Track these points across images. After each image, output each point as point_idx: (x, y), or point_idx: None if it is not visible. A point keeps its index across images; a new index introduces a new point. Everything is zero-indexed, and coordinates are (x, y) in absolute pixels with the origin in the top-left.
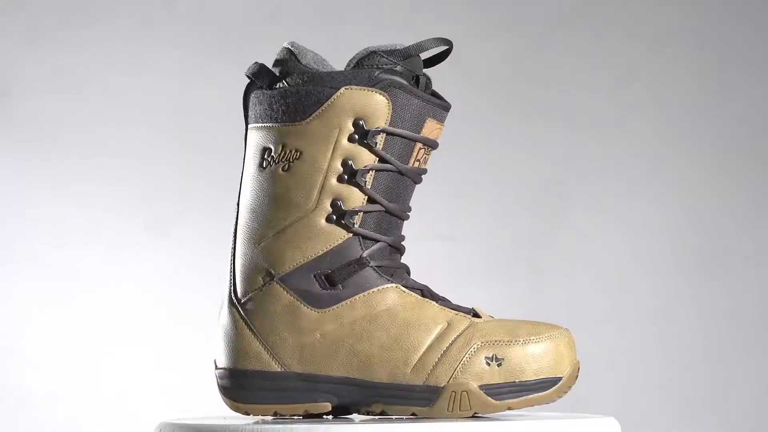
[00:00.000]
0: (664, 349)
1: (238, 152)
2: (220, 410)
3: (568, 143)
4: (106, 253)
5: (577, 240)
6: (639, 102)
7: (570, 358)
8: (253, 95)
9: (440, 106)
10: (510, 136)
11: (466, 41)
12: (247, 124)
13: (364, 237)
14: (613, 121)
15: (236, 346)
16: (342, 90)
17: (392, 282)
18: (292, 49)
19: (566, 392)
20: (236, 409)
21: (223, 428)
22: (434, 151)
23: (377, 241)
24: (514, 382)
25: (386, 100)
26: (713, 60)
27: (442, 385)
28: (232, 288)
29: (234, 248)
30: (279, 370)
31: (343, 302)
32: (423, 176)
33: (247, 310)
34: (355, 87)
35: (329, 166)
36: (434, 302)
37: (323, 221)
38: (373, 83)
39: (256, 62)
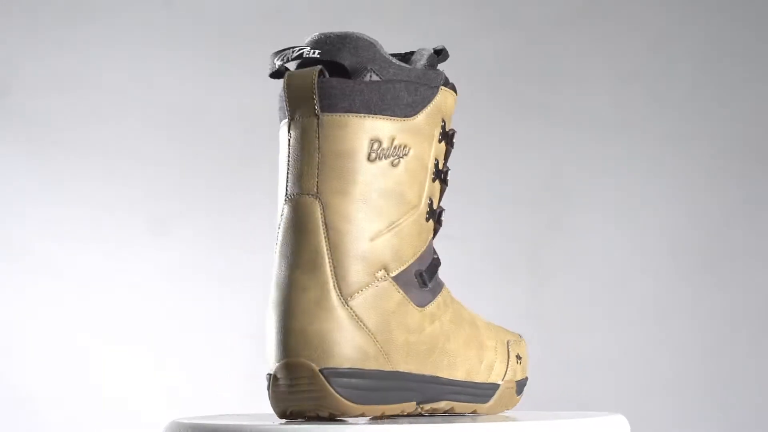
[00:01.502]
0: (664, 349)
1: (238, 152)
2: (220, 410)
3: (569, 143)
4: (106, 253)
5: (577, 239)
6: (640, 102)
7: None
8: (354, 82)
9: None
10: (510, 135)
11: (466, 40)
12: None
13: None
14: (614, 121)
15: (355, 345)
16: (441, 89)
17: (442, 283)
18: (371, 40)
19: None
20: (350, 412)
21: (233, 428)
22: None
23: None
24: (526, 377)
25: (455, 101)
26: (714, 59)
27: (499, 382)
28: (335, 285)
29: (327, 238)
30: (391, 369)
31: (433, 301)
32: None
33: (358, 308)
34: (442, 87)
35: (429, 164)
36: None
37: (424, 219)
38: (448, 84)
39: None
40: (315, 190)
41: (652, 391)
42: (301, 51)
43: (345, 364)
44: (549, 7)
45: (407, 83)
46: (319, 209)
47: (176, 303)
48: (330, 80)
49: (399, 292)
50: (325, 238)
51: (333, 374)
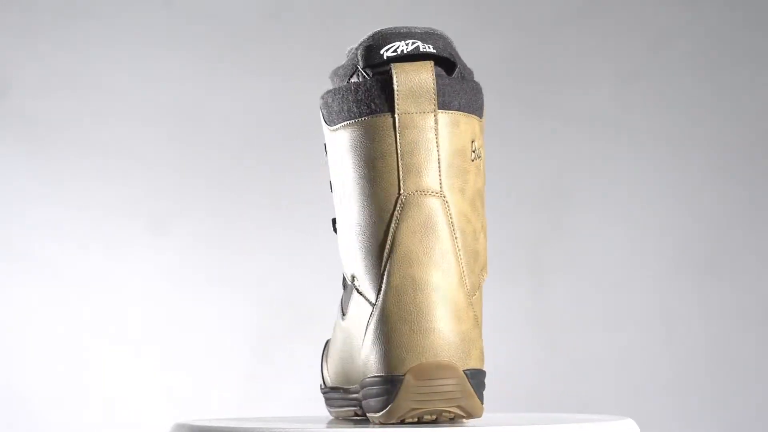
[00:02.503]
0: (667, 350)
1: (238, 152)
2: (220, 410)
3: (569, 143)
4: (106, 253)
5: (579, 240)
6: (641, 101)
7: None
8: (460, 81)
9: None
10: (511, 135)
11: (467, 40)
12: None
13: None
14: (615, 121)
15: (479, 345)
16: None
17: None
18: (447, 36)
19: None
20: (479, 413)
21: (238, 430)
22: None
23: None
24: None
25: None
26: (716, 59)
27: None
28: (464, 285)
29: (455, 238)
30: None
31: None
32: None
33: (476, 308)
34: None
35: None
36: None
37: None
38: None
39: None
40: (439, 188)
41: (653, 391)
42: (416, 44)
43: (478, 365)
44: (549, 7)
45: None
46: (446, 208)
47: (176, 303)
48: (444, 77)
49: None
50: (453, 237)
51: (472, 375)
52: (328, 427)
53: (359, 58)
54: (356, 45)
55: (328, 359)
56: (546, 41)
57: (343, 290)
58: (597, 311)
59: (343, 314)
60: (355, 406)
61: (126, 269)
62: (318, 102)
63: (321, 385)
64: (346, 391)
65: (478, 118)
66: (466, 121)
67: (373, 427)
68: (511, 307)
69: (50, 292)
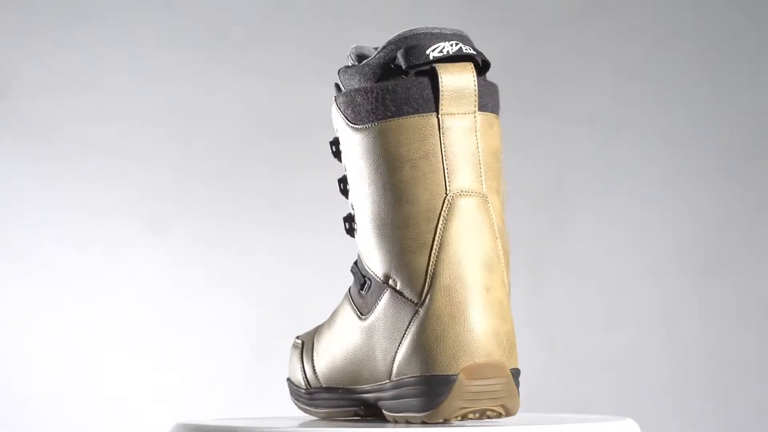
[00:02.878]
0: (667, 350)
1: (238, 152)
2: (220, 411)
3: (570, 143)
4: (105, 253)
5: (579, 240)
6: (641, 101)
7: None
8: (491, 83)
9: None
10: (511, 135)
11: None
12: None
13: None
14: (615, 121)
15: (517, 345)
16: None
17: None
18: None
19: None
20: (515, 410)
21: (239, 429)
22: None
23: None
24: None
25: None
26: (717, 58)
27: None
28: (506, 283)
29: (497, 238)
30: None
31: None
32: None
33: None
34: None
35: None
36: None
37: None
38: None
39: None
40: (482, 190)
41: (653, 391)
42: (458, 45)
43: (517, 364)
44: (549, 6)
45: None
46: (488, 209)
47: (176, 303)
48: (480, 79)
49: None
50: (495, 238)
51: (516, 375)
52: (328, 427)
53: (401, 58)
54: (384, 45)
55: (318, 359)
56: (546, 41)
57: (355, 290)
58: (597, 311)
59: (362, 314)
60: (356, 405)
61: (126, 269)
62: (332, 101)
63: (300, 386)
64: (349, 391)
65: (500, 121)
66: (497, 123)
67: (375, 427)
68: (512, 307)
69: (50, 292)
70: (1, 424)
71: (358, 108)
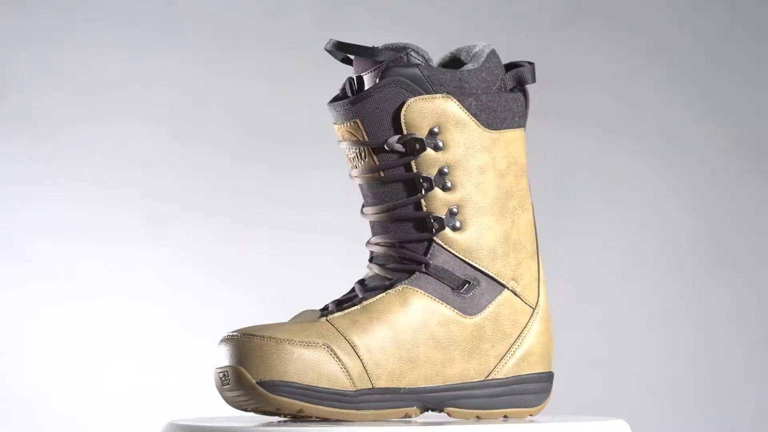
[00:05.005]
0: (667, 350)
1: (238, 152)
2: (219, 411)
3: (570, 142)
4: (105, 253)
5: (579, 240)
6: (642, 101)
7: None
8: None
9: (329, 108)
10: None
11: (467, 40)
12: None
13: None
14: (616, 120)
15: None
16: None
17: None
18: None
19: None
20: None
21: (230, 429)
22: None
23: None
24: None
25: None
26: (717, 58)
27: None
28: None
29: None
30: None
31: None
32: (355, 179)
33: None
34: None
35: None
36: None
37: None
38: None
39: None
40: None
41: (653, 392)
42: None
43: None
44: (549, 6)
45: None
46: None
47: (175, 303)
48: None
49: None
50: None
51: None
52: (321, 426)
53: (529, 75)
54: (489, 55)
55: (372, 356)
56: (546, 41)
57: (444, 290)
58: (597, 312)
59: (467, 313)
60: (411, 406)
61: (125, 269)
62: (460, 101)
63: (341, 386)
64: (413, 391)
65: None
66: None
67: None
68: None
69: (49, 291)
70: (1, 424)
71: (494, 114)
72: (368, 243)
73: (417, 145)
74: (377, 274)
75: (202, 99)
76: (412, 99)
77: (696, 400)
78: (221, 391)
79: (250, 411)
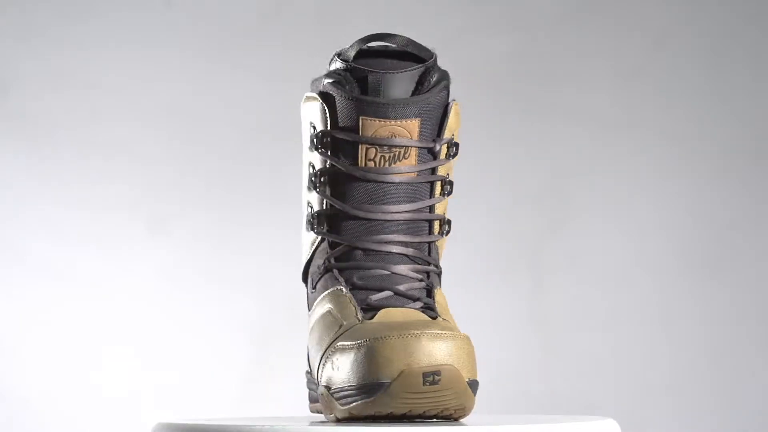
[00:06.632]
0: (667, 351)
1: (238, 152)
2: (219, 411)
3: (570, 142)
4: (105, 253)
5: (579, 240)
6: (642, 100)
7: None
8: None
9: (373, 104)
10: (511, 135)
11: (466, 39)
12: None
13: (328, 240)
14: (616, 120)
15: None
16: (303, 98)
17: (340, 285)
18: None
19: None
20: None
21: (222, 428)
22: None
23: (340, 243)
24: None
25: (320, 104)
26: (718, 58)
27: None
28: None
29: None
30: None
31: (313, 305)
32: (382, 177)
33: None
34: (307, 94)
35: (306, 173)
36: (353, 305)
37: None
38: (313, 88)
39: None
40: None
41: (653, 393)
42: None
43: None
44: (549, 6)
45: None
46: None
47: (175, 303)
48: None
49: None
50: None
51: None
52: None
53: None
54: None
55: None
56: (546, 40)
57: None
58: (597, 312)
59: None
60: None
61: (125, 268)
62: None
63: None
64: None
65: None
66: None
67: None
68: (511, 307)
69: (49, 291)
70: (1, 424)
71: None
72: (377, 242)
73: (455, 149)
74: (397, 274)
75: (202, 99)
76: (454, 103)
77: (696, 400)
78: (414, 390)
79: (431, 413)
